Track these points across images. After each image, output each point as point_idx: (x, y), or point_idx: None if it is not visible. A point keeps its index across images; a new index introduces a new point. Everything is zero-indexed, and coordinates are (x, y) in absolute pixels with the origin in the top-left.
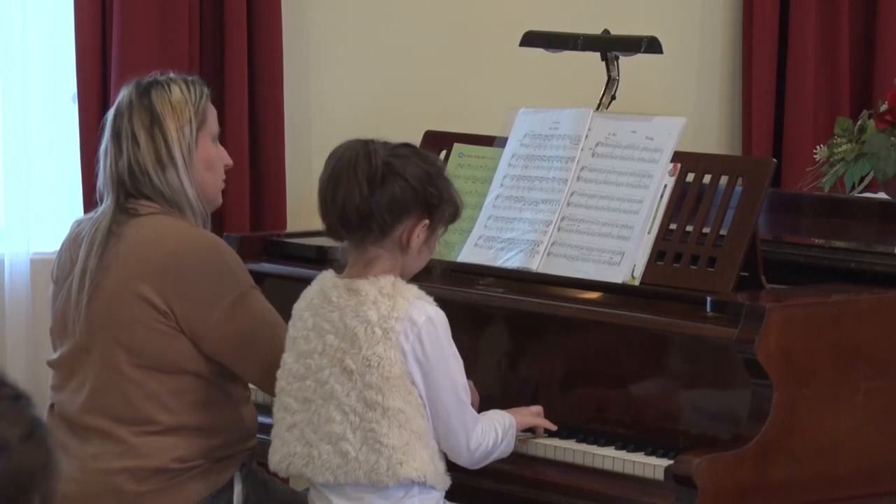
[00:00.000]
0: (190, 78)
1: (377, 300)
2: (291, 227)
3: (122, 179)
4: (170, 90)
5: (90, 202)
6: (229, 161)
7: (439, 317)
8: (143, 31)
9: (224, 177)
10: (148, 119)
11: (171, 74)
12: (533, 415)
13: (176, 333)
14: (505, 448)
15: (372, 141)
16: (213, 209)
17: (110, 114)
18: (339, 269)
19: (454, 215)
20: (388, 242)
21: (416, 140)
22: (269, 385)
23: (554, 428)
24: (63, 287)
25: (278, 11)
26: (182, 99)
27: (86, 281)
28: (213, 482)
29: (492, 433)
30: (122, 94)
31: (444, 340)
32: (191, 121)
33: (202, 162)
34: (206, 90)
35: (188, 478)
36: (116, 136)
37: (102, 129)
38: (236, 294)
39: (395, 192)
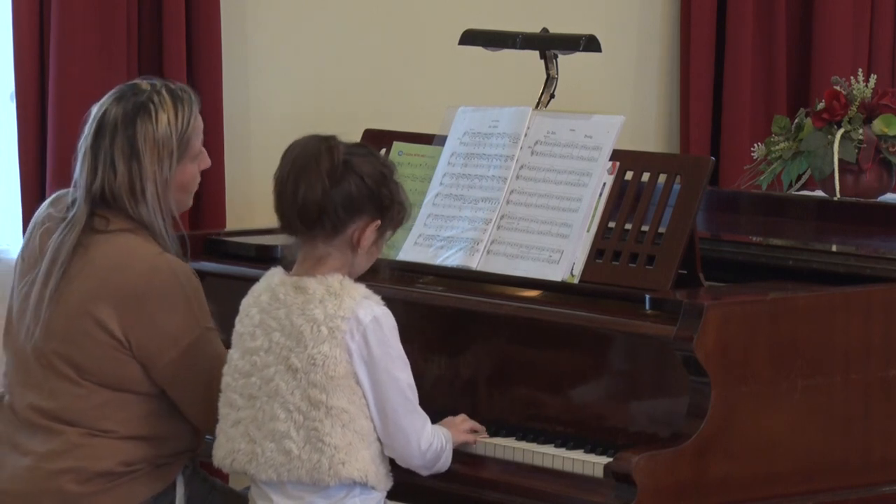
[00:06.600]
0: (180, 93)
1: (324, 299)
2: (231, 225)
3: (94, 196)
4: (156, 121)
5: (28, 199)
6: (208, 163)
7: (386, 317)
8: (81, 29)
9: (199, 180)
10: (128, 150)
11: (161, 88)
12: (464, 432)
13: (128, 359)
14: (445, 460)
15: (332, 137)
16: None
17: (95, 116)
18: (288, 266)
19: (402, 219)
20: (339, 241)
21: (356, 139)
22: (209, 424)
23: (486, 436)
24: (29, 274)
25: (217, 10)
26: (167, 133)
27: (50, 283)
28: (156, 485)
29: (439, 435)
30: (110, 107)
31: (390, 340)
32: (171, 154)
33: (177, 185)
34: (195, 109)
35: (131, 479)
36: (95, 153)
37: (85, 122)
38: (195, 335)
39: (352, 189)
